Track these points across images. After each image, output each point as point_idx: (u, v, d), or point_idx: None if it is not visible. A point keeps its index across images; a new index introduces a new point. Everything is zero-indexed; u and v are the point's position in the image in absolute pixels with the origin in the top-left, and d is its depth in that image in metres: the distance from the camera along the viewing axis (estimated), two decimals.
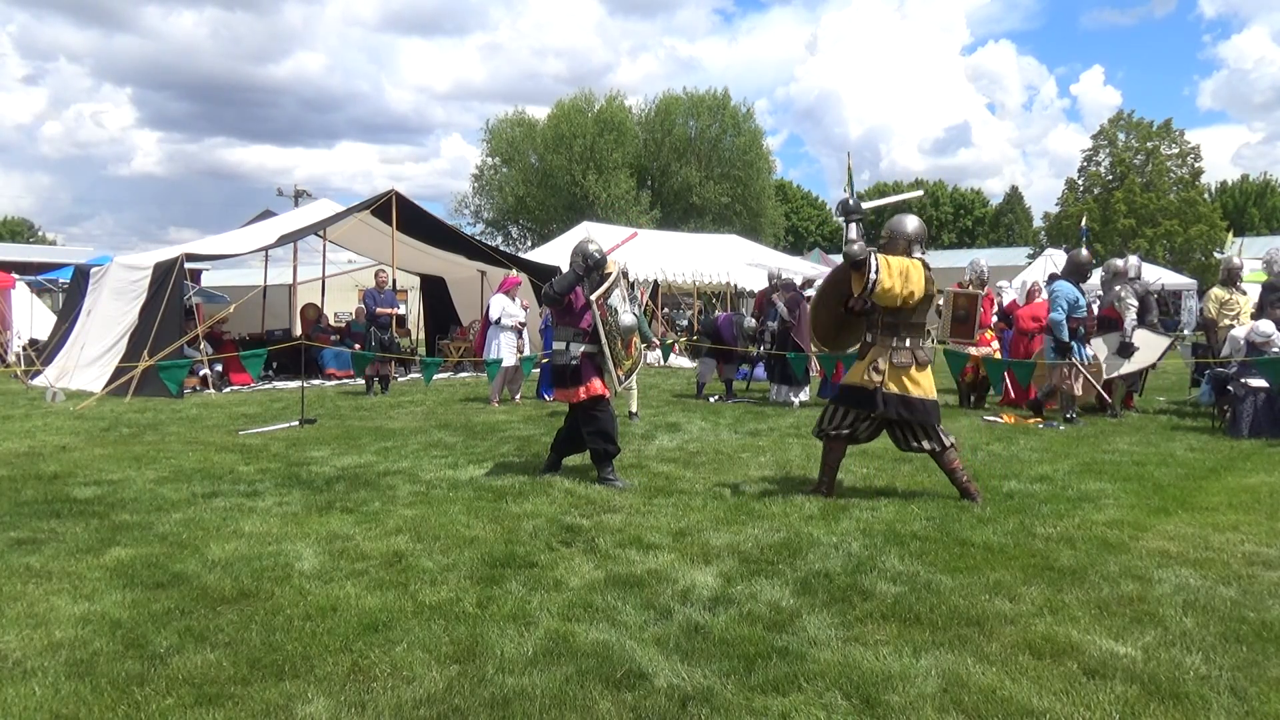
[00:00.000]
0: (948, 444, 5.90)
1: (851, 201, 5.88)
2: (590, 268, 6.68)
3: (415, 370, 16.13)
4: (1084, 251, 10.33)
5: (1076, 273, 10.07)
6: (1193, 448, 8.07)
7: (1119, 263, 11.09)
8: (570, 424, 6.93)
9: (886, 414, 5.85)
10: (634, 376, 8.90)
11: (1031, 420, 9.83)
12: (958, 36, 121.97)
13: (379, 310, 13.81)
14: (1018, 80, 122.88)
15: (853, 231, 5.73)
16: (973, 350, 10.73)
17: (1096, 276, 11.58)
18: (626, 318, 6.80)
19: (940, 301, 10.84)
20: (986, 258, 12.84)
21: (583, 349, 6.62)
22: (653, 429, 9.54)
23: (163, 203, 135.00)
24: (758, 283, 20.18)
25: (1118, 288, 10.49)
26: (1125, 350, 10.15)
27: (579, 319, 6.66)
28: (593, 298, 6.56)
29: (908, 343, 5.83)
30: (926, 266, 5.82)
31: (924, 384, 5.85)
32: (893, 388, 5.79)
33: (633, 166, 48.22)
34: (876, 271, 5.51)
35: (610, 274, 6.75)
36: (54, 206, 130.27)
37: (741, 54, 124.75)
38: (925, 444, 5.91)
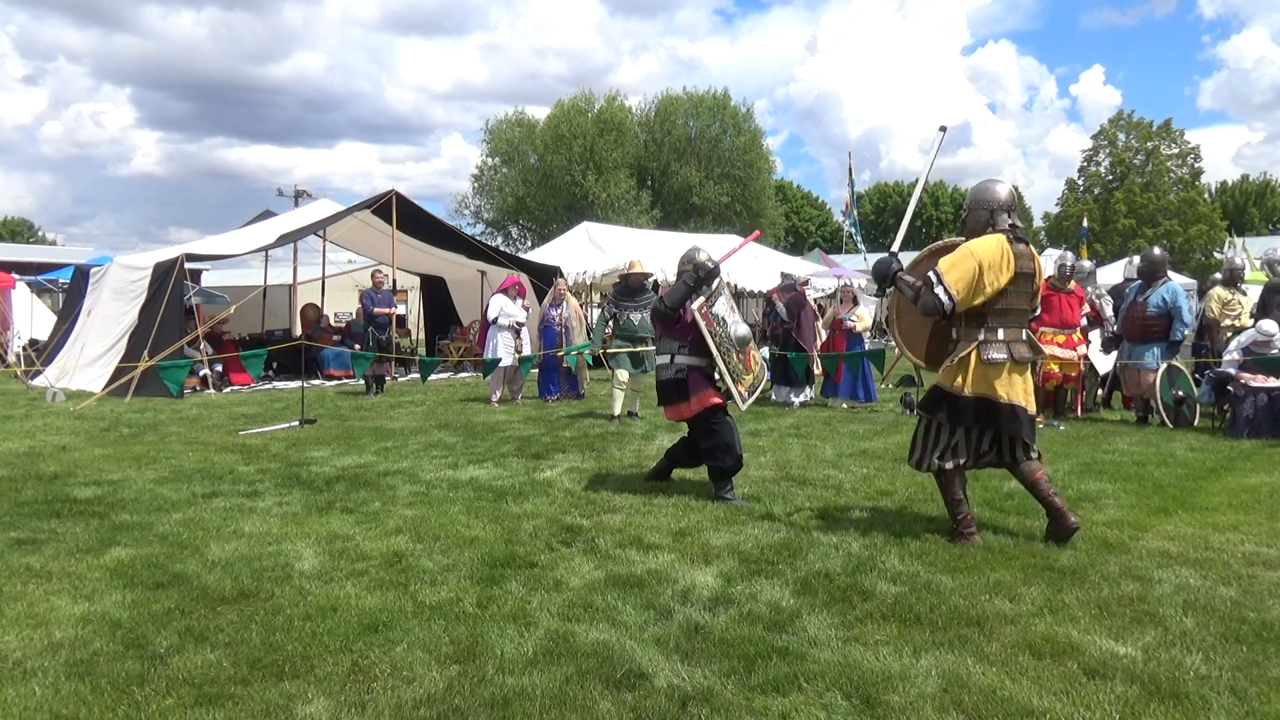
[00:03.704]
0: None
1: (891, 263, 5.00)
2: (702, 279, 6.10)
3: (415, 370, 16.14)
4: (1157, 250, 10.08)
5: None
6: (1193, 448, 8.06)
7: (1087, 264, 11.29)
8: (690, 437, 6.35)
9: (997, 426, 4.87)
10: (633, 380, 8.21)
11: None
12: (958, 37, 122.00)
13: (376, 310, 13.83)
14: (1018, 80, 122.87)
15: (906, 280, 4.97)
16: (1057, 353, 9.70)
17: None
18: (740, 328, 6.19)
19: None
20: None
21: (689, 363, 6.07)
22: (653, 429, 9.53)
23: (163, 203, 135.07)
24: (757, 282, 20.22)
25: (1090, 288, 10.65)
26: (1110, 345, 10.23)
27: (686, 332, 6.10)
28: (694, 307, 5.99)
29: (1000, 334, 4.84)
30: (1018, 237, 4.87)
31: (1016, 388, 4.86)
32: (982, 390, 4.83)
33: (633, 166, 48.20)
34: (951, 300, 4.73)
35: (716, 281, 6.23)
36: (54, 206, 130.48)
37: (742, 54, 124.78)
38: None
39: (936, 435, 4.98)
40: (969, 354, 4.84)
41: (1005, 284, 4.75)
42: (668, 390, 6.20)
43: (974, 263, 4.72)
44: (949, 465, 4.94)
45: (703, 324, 5.95)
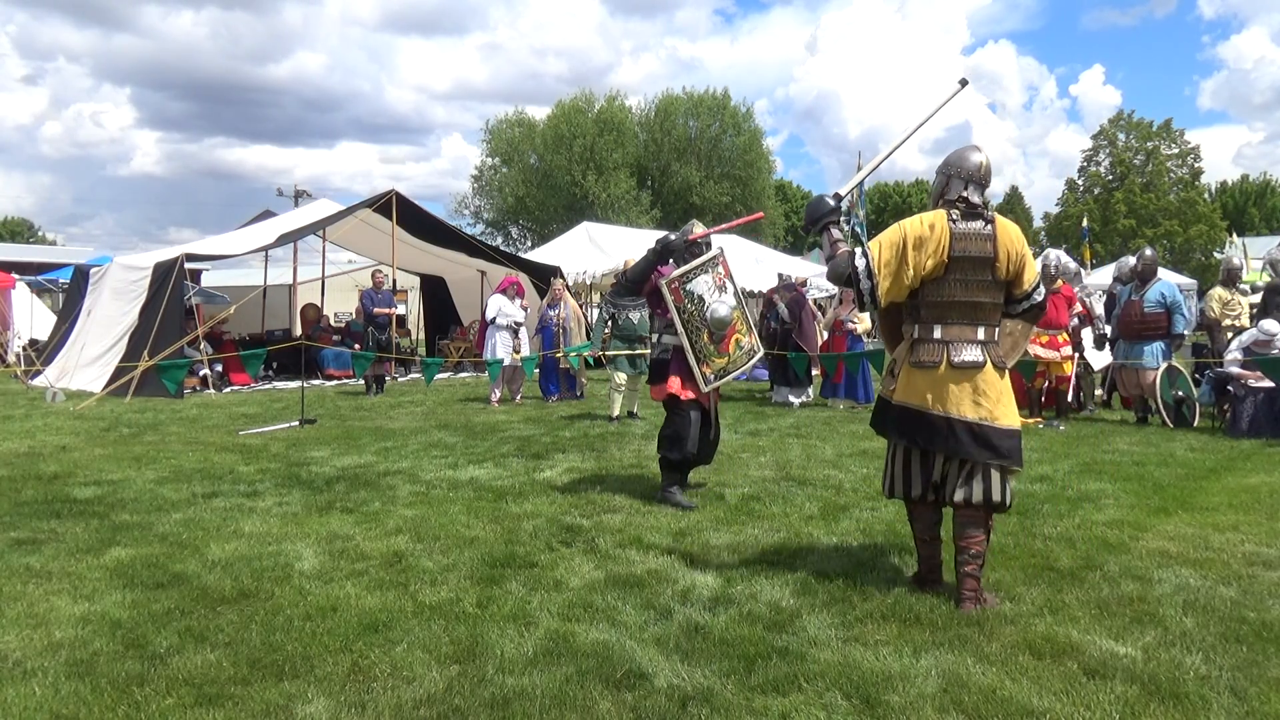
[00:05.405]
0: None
1: (825, 205, 4.11)
2: (664, 250, 5.91)
3: (415, 370, 16.14)
4: (1149, 250, 10.11)
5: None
6: (1193, 448, 8.06)
7: (1072, 264, 11.28)
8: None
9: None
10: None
11: (1032, 420, 9.82)
12: (958, 37, 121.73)
13: (376, 310, 13.84)
14: (1018, 80, 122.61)
15: (833, 234, 4.11)
16: (1039, 352, 9.64)
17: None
18: (720, 309, 5.84)
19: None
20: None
21: (673, 342, 5.93)
22: (653, 429, 9.52)
23: (163, 203, 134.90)
24: (757, 283, 20.23)
25: (1078, 288, 10.71)
26: (1102, 342, 10.27)
27: (665, 309, 5.94)
28: (662, 281, 5.79)
29: (936, 332, 3.94)
30: (972, 214, 3.96)
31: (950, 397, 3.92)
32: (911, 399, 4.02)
33: (633, 166, 48.20)
34: (870, 278, 3.88)
35: (703, 257, 5.96)
36: (54, 206, 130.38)
37: (742, 54, 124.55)
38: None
39: (892, 456, 4.16)
40: (903, 354, 4.08)
41: (932, 268, 3.85)
42: (654, 368, 6.29)
43: (899, 235, 3.90)
44: (903, 493, 4.12)
45: (669, 298, 5.75)
